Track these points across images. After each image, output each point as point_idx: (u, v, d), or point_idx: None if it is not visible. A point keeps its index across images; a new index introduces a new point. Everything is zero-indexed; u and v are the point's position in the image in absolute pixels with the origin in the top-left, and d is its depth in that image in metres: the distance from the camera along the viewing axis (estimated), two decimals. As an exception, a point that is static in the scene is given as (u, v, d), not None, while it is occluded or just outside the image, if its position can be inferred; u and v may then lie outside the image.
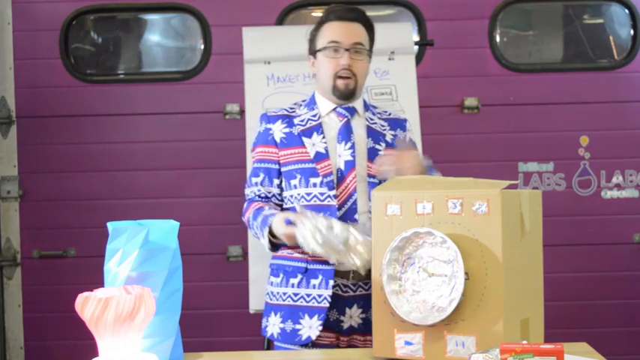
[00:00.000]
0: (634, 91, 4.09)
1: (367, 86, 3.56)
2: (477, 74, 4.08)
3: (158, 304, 1.93)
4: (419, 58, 4.00)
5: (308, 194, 2.44)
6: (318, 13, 4.23)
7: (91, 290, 1.89)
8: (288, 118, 2.52)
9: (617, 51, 4.17)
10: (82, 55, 4.21)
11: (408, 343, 1.96)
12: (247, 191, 2.59)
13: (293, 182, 2.47)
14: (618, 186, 4.08)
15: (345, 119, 2.50)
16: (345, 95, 2.50)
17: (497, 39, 4.11)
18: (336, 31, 2.48)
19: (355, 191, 2.43)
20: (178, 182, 4.08)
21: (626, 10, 4.12)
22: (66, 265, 4.06)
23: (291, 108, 2.57)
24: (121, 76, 4.24)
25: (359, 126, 2.53)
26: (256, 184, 2.54)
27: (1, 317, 4.07)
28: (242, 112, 3.91)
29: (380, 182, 2.43)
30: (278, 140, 2.50)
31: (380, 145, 2.51)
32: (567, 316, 3.97)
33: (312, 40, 2.56)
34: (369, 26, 2.53)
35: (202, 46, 4.11)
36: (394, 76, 3.55)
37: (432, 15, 4.06)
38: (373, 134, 2.53)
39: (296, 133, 2.49)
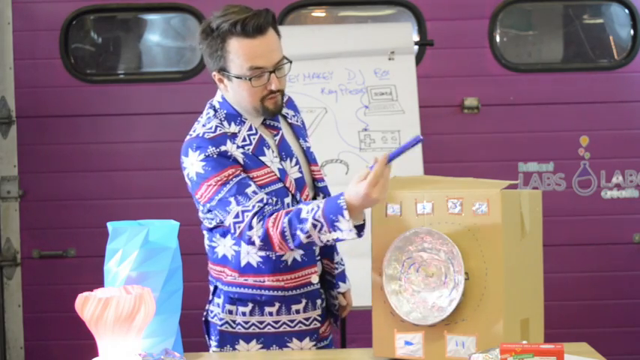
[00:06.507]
0: (634, 91, 4.09)
1: (367, 86, 3.57)
2: (477, 74, 4.07)
3: (158, 304, 1.93)
4: (419, 58, 4.00)
5: None
6: (318, 13, 4.23)
7: (91, 290, 1.89)
8: (231, 137, 2.12)
9: (617, 51, 4.17)
10: (82, 55, 4.21)
11: (408, 343, 1.96)
12: (245, 206, 2.04)
13: None
14: (618, 186, 4.08)
15: (278, 132, 2.21)
16: (278, 113, 2.19)
17: (497, 39, 4.11)
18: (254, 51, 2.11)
19: None
20: (178, 182, 4.02)
21: (626, 10, 4.11)
22: (66, 265, 4.06)
23: (221, 125, 2.15)
24: (121, 76, 4.23)
25: (287, 132, 2.25)
26: (255, 192, 2.06)
27: (1, 317, 4.07)
28: (242, 112, 3.90)
29: (324, 187, 2.26)
30: (241, 162, 2.09)
31: (307, 140, 2.30)
32: (567, 316, 3.97)
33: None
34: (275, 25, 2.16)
35: (202, 46, 4.10)
36: (394, 76, 3.55)
37: (432, 15, 4.06)
38: (299, 132, 2.29)
39: (250, 154, 2.12)
